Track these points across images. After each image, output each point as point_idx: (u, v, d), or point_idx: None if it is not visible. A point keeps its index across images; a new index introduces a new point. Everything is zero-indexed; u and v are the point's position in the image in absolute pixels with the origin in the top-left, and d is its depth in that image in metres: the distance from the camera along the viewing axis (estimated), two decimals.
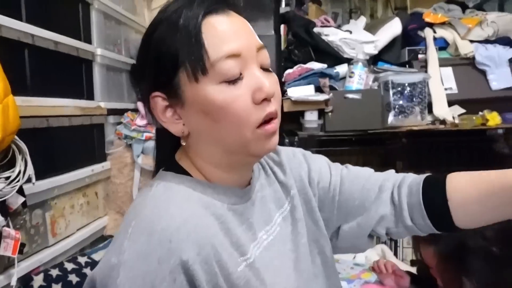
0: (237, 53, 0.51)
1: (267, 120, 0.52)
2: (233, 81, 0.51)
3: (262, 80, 0.51)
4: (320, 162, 0.71)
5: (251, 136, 0.52)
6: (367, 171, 0.70)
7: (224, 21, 0.52)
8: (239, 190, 0.58)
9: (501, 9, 2.75)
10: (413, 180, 0.64)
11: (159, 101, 0.54)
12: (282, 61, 1.80)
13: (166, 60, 0.51)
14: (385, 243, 1.69)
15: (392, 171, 0.69)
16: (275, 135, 0.54)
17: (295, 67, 1.74)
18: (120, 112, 1.61)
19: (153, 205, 0.51)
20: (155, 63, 0.53)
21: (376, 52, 1.83)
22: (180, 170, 0.57)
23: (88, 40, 1.41)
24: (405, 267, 1.39)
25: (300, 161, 0.70)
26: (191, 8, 0.51)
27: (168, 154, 0.60)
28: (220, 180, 0.57)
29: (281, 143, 1.86)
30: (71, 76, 1.33)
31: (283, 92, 1.70)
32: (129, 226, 0.49)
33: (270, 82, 0.52)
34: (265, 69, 0.54)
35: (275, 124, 0.53)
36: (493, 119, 1.65)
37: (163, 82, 0.53)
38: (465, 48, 1.81)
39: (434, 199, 0.61)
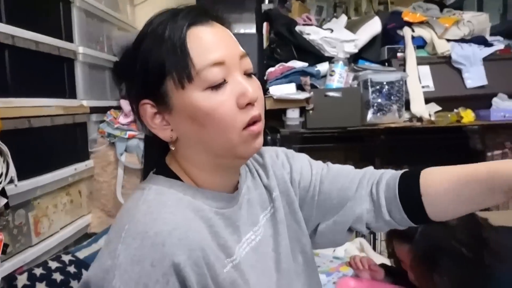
0: (221, 61, 0.54)
1: (252, 123, 0.55)
2: (217, 86, 0.53)
3: (245, 85, 0.55)
4: (302, 161, 0.73)
5: (237, 139, 0.54)
6: (347, 169, 0.72)
7: (208, 31, 0.55)
8: (227, 195, 0.61)
9: (480, 7, 2.83)
10: (391, 176, 0.67)
11: (148, 108, 0.57)
12: (265, 59, 1.82)
13: (154, 70, 0.54)
14: (363, 236, 1.75)
15: (371, 168, 0.72)
16: (260, 136, 0.57)
17: (277, 66, 1.77)
18: (103, 110, 1.61)
19: (146, 209, 0.53)
20: (143, 73, 0.55)
21: (356, 50, 1.87)
22: (171, 174, 0.59)
23: (70, 39, 1.41)
24: (383, 259, 1.45)
25: (283, 162, 0.73)
26: (176, 20, 0.54)
27: (158, 158, 0.62)
28: (208, 183, 0.59)
29: (264, 140, 1.90)
30: (53, 75, 1.33)
31: (265, 90, 1.73)
32: (123, 229, 0.51)
33: (253, 87, 0.55)
34: (248, 75, 0.57)
35: (259, 125, 0.56)
36: (467, 116, 1.71)
37: (151, 90, 0.56)
38: (442, 47, 1.87)
39: (409, 194, 0.63)
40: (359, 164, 0.74)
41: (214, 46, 0.54)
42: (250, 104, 0.55)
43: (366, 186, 0.68)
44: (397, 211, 0.64)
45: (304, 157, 0.75)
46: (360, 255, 1.30)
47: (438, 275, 0.98)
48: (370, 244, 1.67)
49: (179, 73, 0.53)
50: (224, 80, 0.54)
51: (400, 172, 0.67)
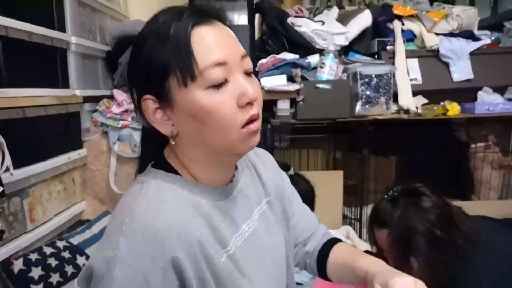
0: (224, 61, 0.55)
1: (250, 121, 0.58)
2: (219, 86, 0.55)
3: (246, 86, 0.57)
4: (296, 193, 0.85)
5: (236, 137, 0.57)
6: (312, 215, 0.88)
7: (211, 31, 0.57)
8: (220, 188, 0.64)
9: (471, 0, 2.86)
10: (324, 236, 0.85)
11: (150, 103, 0.58)
12: (256, 51, 1.85)
13: (157, 68, 0.56)
14: (350, 224, 1.81)
15: (325, 227, 0.89)
16: (257, 134, 0.60)
17: (268, 57, 1.80)
18: (96, 99, 1.63)
19: (146, 205, 0.55)
20: (147, 70, 0.57)
21: (346, 43, 1.90)
22: (169, 169, 0.61)
23: (62, 29, 1.42)
24: (368, 246, 1.50)
25: (283, 179, 0.82)
26: (181, 19, 0.56)
27: (156, 152, 0.65)
28: (205, 177, 0.62)
29: None
30: (46, 65, 1.35)
31: None
32: (124, 223, 0.53)
33: (253, 87, 0.57)
34: (248, 74, 0.60)
35: (257, 124, 0.59)
36: (453, 109, 1.76)
37: (154, 87, 0.57)
38: (431, 41, 1.91)
39: (323, 255, 0.82)
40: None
41: (217, 47, 0.56)
42: (249, 103, 0.57)
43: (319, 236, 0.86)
44: (313, 261, 0.83)
45: (296, 192, 0.87)
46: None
47: (414, 257, 1.03)
48: (356, 232, 1.73)
49: (183, 72, 0.54)
50: (226, 80, 0.56)
51: (330, 237, 0.85)
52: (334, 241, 0.84)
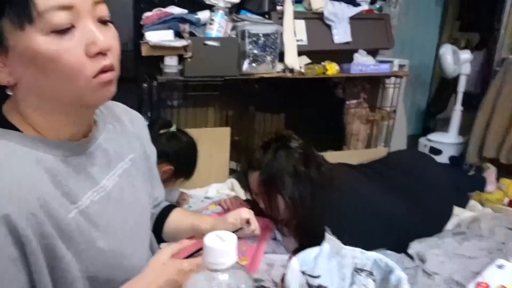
0: (69, 5, 0.50)
1: (102, 71, 0.54)
2: (63, 31, 0.50)
3: (95, 34, 0.52)
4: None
5: (85, 86, 0.53)
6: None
7: None
8: (72, 144, 0.60)
9: None
10: (164, 202, 0.90)
11: None
12: (141, 3, 1.75)
13: None
14: (236, 178, 1.90)
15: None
16: (112, 84, 0.56)
17: (154, 10, 1.72)
18: None
19: None
20: None
21: (238, 1, 1.90)
22: (7, 125, 0.56)
23: None
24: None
25: (148, 137, 0.80)
26: None
27: None
28: (51, 131, 0.57)
29: (140, 87, 1.86)
30: None
31: (141, 36, 1.69)
32: None
33: (105, 36, 0.53)
34: (103, 23, 0.55)
35: (111, 74, 0.55)
36: (331, 69, 1.90)
37: None
38: (316, 4, 2.00)
39: (161, 218, 0.88)
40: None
41: None
42: (101, 53, 0.53)
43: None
44: (151, 223, 0.85)
45: None
46: (229, 197, 1.44)
47: (280, 195, 1.15)
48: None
49: (17, 12, 0.49)
50: (72, 26, 0.51)
51: (169, 204, 0.92)
52: (172, 206, 0.91)
